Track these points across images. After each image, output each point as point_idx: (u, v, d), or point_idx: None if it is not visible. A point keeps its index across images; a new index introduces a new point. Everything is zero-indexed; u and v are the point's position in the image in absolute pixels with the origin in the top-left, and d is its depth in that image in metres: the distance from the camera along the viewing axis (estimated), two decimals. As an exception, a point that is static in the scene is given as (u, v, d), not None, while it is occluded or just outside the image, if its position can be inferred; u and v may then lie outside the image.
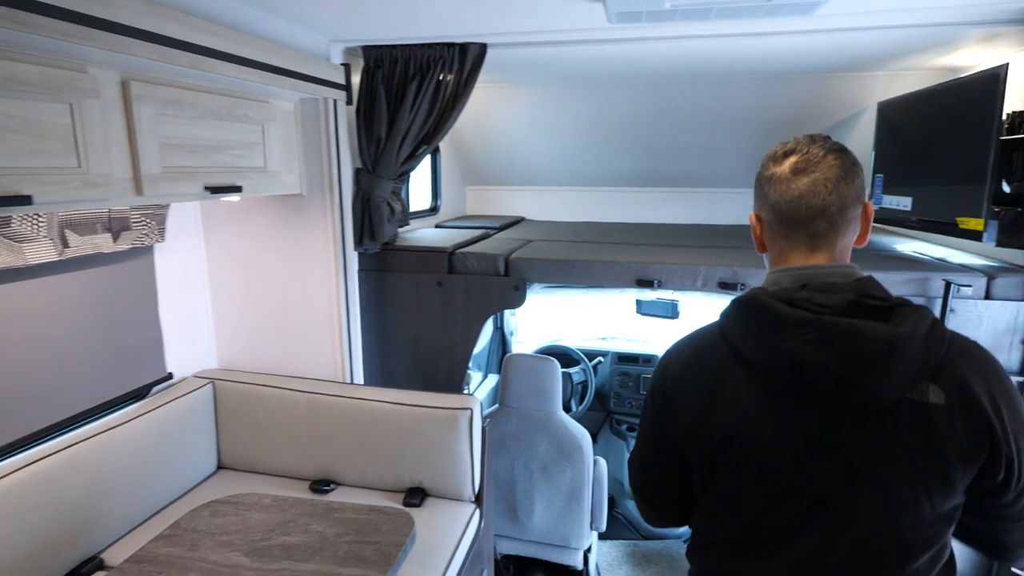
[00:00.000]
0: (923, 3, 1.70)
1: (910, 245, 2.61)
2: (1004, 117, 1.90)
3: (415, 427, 2.14)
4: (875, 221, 2.84)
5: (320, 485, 2.18)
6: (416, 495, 2.14)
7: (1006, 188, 2.04)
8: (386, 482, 2.21)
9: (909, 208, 2.34)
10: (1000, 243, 2.04)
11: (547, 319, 4.54)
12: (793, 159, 0.99)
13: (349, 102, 2.19)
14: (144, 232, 1.98)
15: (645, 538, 3.49)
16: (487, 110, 3.15)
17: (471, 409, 2.11)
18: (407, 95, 2.15)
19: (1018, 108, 2.00)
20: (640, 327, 4.08)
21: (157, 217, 2.02)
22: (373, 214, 2.28)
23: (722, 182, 3.35)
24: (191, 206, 2.28)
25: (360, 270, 2.41)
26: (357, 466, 2.22)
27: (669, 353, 1.07)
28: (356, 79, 2.23)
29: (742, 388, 0.94)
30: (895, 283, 2.07)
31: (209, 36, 1.53)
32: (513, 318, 4.13)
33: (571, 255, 2.42)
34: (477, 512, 2.16)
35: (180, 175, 1.58)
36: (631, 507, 3.63)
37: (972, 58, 2.30)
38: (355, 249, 2.33)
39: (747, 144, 3.09)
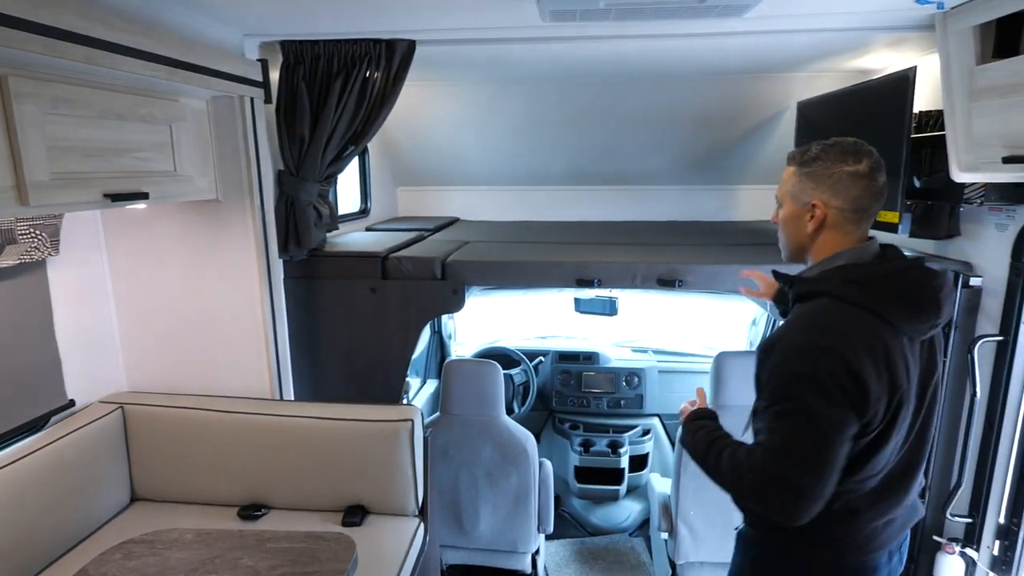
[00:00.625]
0: (840, 8, 1.78)
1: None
2: (914, 118, 2.01)
3: (353, 443, 2.04)
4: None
5: (250, 511, 2.03)
6: (356, 514, 2.04)
7: (917, 183, 2.16)
8: (323, 502, 2.09)
9: (829, 203, 2.45)
10: (913, 234, 2.16)
11: (486, 320, 4.49)
12: (868, 161, 1.22)
13: (268, 100, 2.05)
14: (33, 245, 1.77)
15: (592, 535, 3.51)
16: (418, 109, 3.06)
17: (412, 420, 2.03)
18: (331, 93, 2.03)
19: (925, 108, 2.12)
20: (579, 325, 4.10)
21: (48, 228, 1.81)
22: (298, 219, 2.15)
23: (657, 180, 3.40)
24: (90, 215, 2.06)
25: (286, 278, 2.27)
26: (291, 487, 2.08)
27: (829, 337, 1.13)
28: (275, 76, 2.09)
29: (895, 345, 1.15)
30: (821, 276, 2.16)
31: (107, 28, 1.38)
32: (451, 321, 4.05)
33: (510, 256, 2.38)
34: (422, 526, 2.09)
35: (73, 182, 1.41)
36: (577, 505, 3.65)
37: (882, 61, 2.43)
38: (280, 256, 2.19)
39: (679, 142, 3.15)
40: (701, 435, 1.34)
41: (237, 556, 1.42)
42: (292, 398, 2.33)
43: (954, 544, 2.12)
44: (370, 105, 2.10)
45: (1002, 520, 2.00)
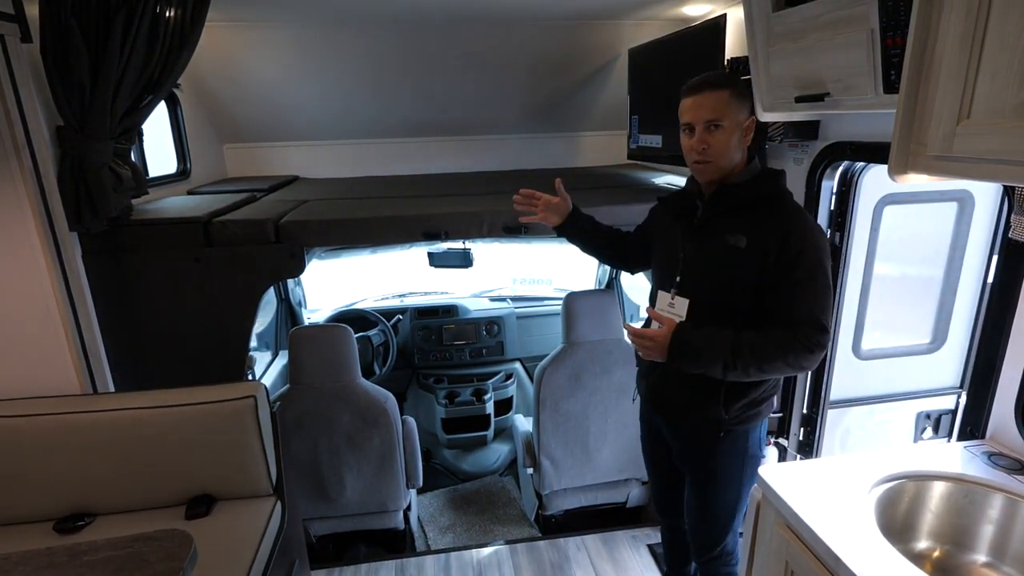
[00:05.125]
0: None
1: (663, 178, 2.91)
2: (726, 63, 2.15)
3: (188, 429, 1.85)
4: (634, 158, 3.05)
5: (69, 523, 1.78)
6: (201, 504, 1.88)
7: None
8: (162, 498, 1.90)
9: (660, 145, 2.60)
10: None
11: (340, 284, 4.30)
12: None
13: (26, 39, 1.68)
14: None
15: (464, 481, 3.60)
16: (236, 54, 2.72)
17: (254, 396, 1.88)
18: (113, 33, 1.71)
19: (736, 55, 2.29)
20: (437, 279, 4.07)
21: None
22: (91, 183, 1.83)
23: (500, 128, 3.37)
24: None
25: (86, 254, 1.96)
26: (120, 489, 1.87)
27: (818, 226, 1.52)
28: (34, 13, 1.72)
29: None
30: (654, 213, 2.29)
31: None
32: (299, 288, 3.81)
33: (351, 213, 2.24)
34: (278, 504, 1.98)
35: None
36: (448, 455, 3.70)
37: (699, 10, 2.57)
38: (72, 229, 1.87)
39: (519, 90, 3.12)
40: (718, 344, 1.43)
41: (46, 577, 1.23)
42: (112, 390, 2.05)
43: (769, 436, 2.44)
44: (165, 47, 1.81)
45: (805, 411, 2.34)
